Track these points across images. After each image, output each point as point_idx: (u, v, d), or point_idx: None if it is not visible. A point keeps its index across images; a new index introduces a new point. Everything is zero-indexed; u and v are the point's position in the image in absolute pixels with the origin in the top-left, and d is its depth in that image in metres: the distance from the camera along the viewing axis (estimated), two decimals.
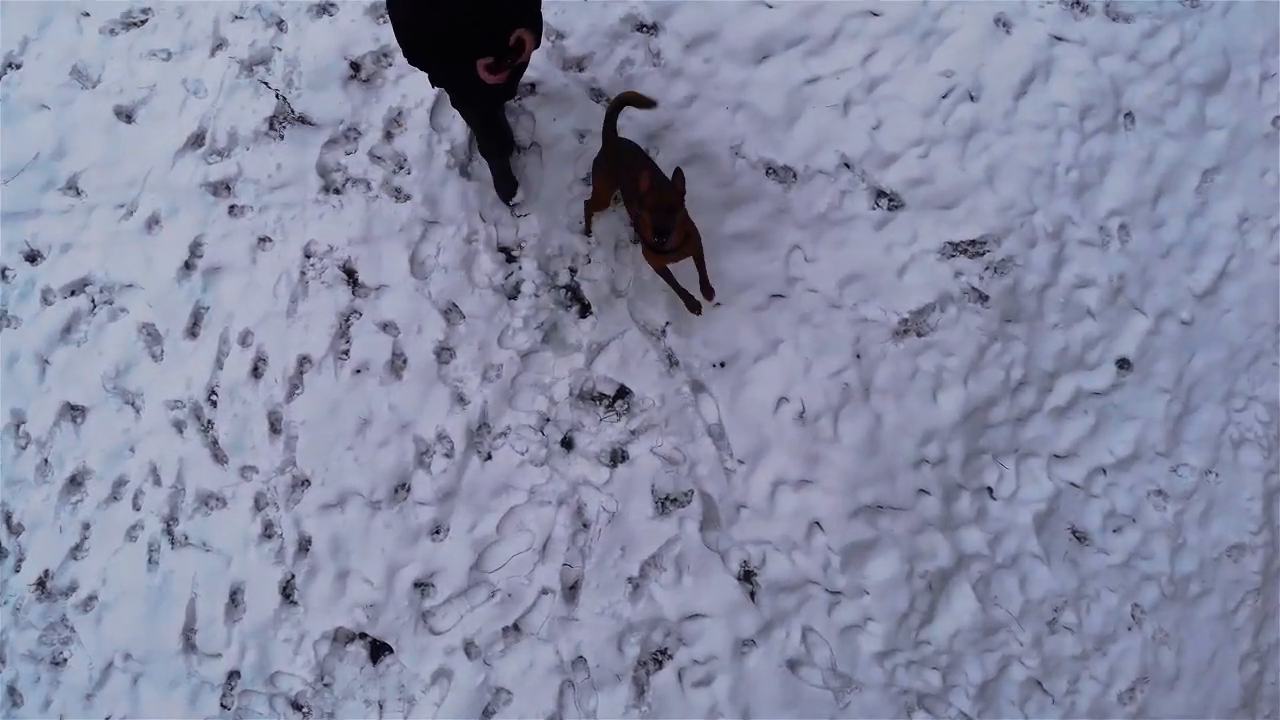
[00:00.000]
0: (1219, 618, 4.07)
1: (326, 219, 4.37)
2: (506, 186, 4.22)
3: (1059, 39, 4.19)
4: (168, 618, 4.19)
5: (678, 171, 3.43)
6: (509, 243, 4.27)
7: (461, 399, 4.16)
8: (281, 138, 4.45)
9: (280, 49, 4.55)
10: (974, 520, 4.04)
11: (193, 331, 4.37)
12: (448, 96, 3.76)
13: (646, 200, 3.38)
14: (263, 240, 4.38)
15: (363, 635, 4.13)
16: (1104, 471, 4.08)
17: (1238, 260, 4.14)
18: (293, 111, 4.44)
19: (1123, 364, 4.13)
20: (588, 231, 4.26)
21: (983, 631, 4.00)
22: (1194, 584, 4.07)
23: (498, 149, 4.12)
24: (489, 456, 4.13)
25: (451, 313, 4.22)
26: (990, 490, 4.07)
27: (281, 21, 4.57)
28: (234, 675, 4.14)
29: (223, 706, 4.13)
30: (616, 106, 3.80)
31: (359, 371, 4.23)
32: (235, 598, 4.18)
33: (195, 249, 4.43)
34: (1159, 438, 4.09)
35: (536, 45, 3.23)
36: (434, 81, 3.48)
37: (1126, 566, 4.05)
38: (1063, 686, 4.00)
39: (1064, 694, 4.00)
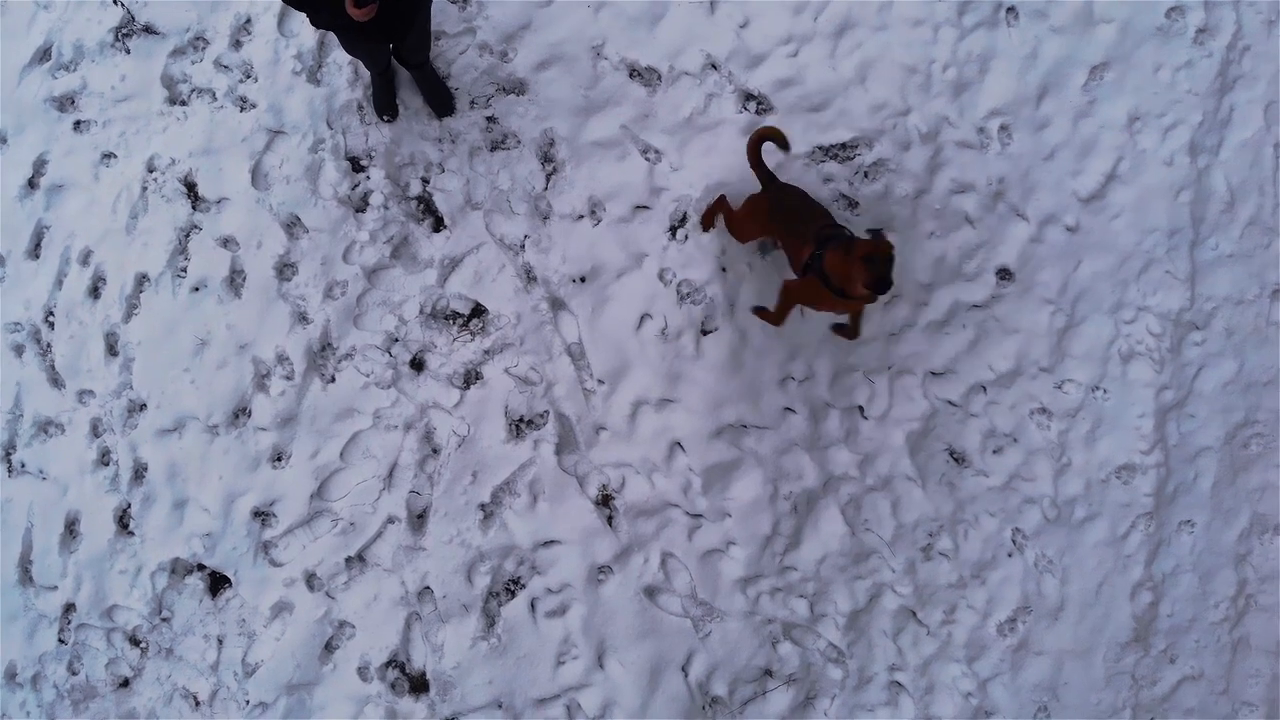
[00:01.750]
0: (1107, 543, 3.52)
1: (170, 132, 3.84)
2: (387, 107, 3.72)
3: None
4: (4, 548, 3.72)
5: (879, 233, 2.83)
6: (358, 151, 3.77)
7: (303, 318, 3.66)
8: (127, 50, 3.97)
9: None
10: (843, 440, 3.55)
11: (34, 252, 3.86)
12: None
13: (859, 250, 2.72)
14: (106, 156, 3.86)
15: (201, 567, 3.66)
16: (983, 389, 3.54)
17: (1127, 162, 3.57)
18: (135, 21, 3.96)
19: (1003, 274, 3.57)
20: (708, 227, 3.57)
21: (852, 558, 3.53)
22: (1079, 507, 3.52)
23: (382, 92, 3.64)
24: (332, 379, 3.63)
25: (294, 226, 3.71)
26: (861, 409, 3.57)
27: None
28: (70, 608, 3.67)
29: (60, 641, 3.65)
30: (757, 143, 3.15)
31: (197, 289, 3.71)
32: (72, 528, 3.70)
33: (39, 167, 3.91)
34: (1042, 352, 3.59)
35: None
36: (315, 23, 2.88)
37: (1007, 489, 3.55)
38: (938, 616, 3.52)
39: (939, 624, 3.52)
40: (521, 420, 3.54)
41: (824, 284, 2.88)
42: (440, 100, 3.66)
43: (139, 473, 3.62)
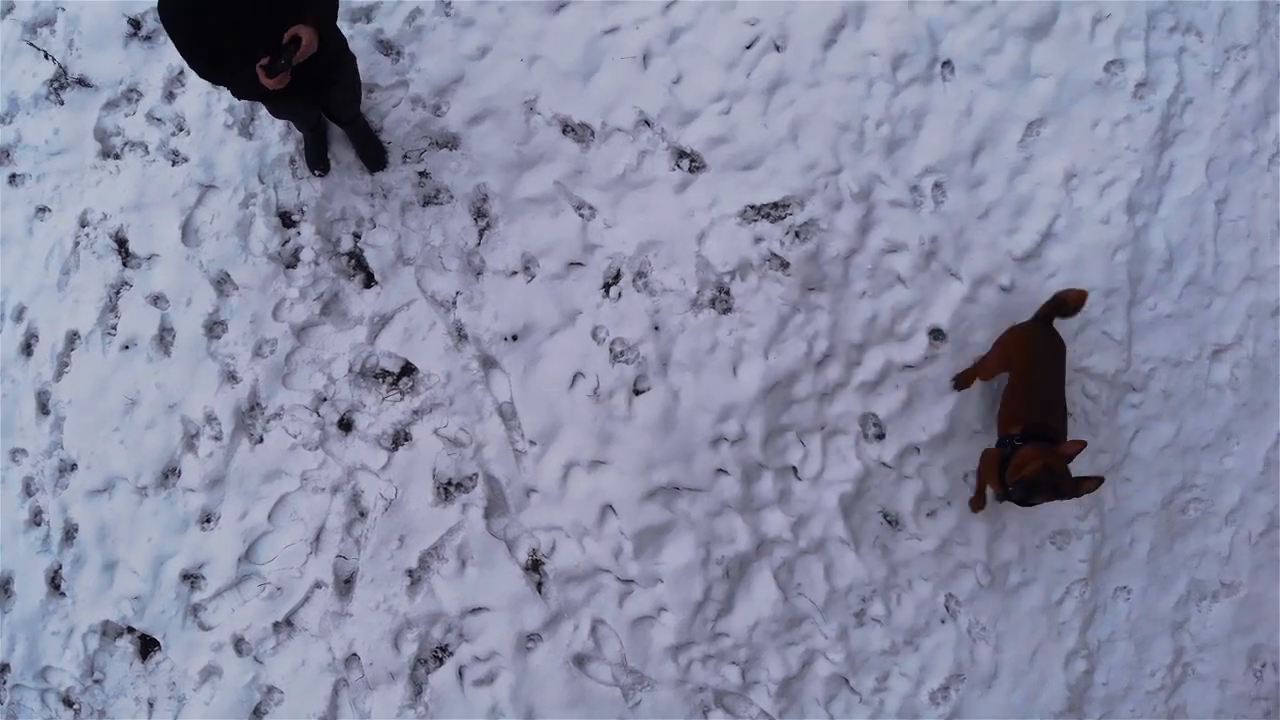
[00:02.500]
0: (1041, 610, 3.35)
1: (103, 186, 3.70)
2: (319, 162, 3.57)
3: None
4: None
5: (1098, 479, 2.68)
6: (290, 206, 3.64)
7: (232, 377, 3.53)
8: (61, 103, 3.85)
9: (64, 9, 3.96)
10: (776, 502, 3.41)
11: None
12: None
13: (1040, 462, 2.63)
14: (40, 210, 3.72)
15: (131, 629, 3.54)
16: (917, 450, 3.37)
17: (1064, 220, 3.39)
18: (69, 74, 3.83)
19: (936, 334, 3.39)
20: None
21: (785, 623, 3.39)
22: (1014, 573, 3.35)
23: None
24: (260, 440, 3.51)
25: (224, 283, 3.57)
26: (794, 470, 3.44)
27: None
28: (5, 669, 3.56)
29: None
30: (1062, 305, 2.97)
31: (127, 348, 3.58)
32: (5, 587, 3.58)
33: None
34: (975, 414, 3.42)
35: (316, 40, 2.41)
36: (237, 94, 2.70)
37: (940, 553, 3.39)
38: (870, 684, 3.38)
39: (872, 692, 3.39)
40: (450, 483, 3.41)
41: (1001, 465, 2.79)
42: (372, 155, 3.54)
43: (70, 533, 3.50)
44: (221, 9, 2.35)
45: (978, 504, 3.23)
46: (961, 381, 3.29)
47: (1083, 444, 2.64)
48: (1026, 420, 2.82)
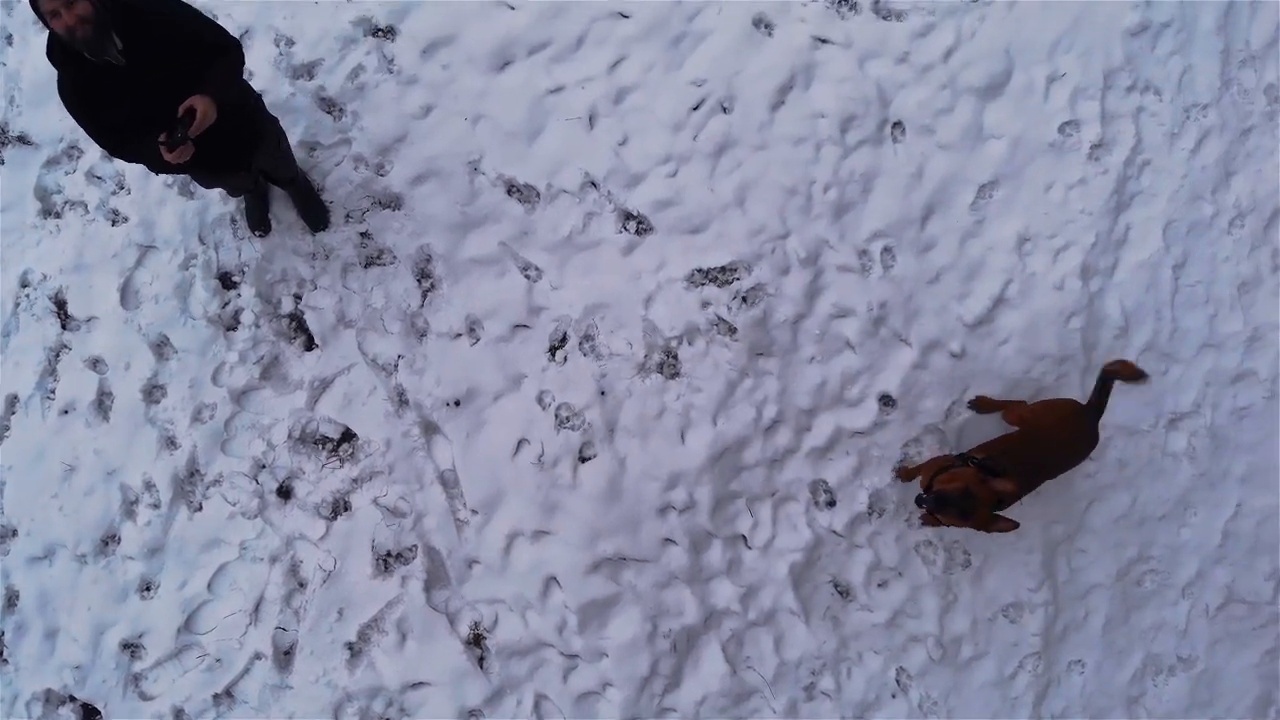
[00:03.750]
0: (994, 684, 3.25)
1: (43, 245, 3.61)
2: (259, 223, 3.49)
3: (822, 41, 3.45)
4: None
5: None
6: (230, 267, 3.54)
7: (171, 442, 3.44)
8: (1, 161, 3.76)
9: (4, 64, 3.86)
10: (725, 572, 3.30)
11: None
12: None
13: (964, 483, 2.59)
14: None
15: (72, 698, 3.47)
16: (868, 518, 3.36)
17: (1016, 285, 3.29)
18: (9, 131, 3.74)
19: (886, 401, 3.30)
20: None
21: (733, 698, 3.28)
22: (966, 646, 3.25)
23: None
24: (199, 507, 3.40)
25: (164, 346, 3.47)
26: (744, 539, 3.34)
27: (10, 36, 3.88)
28: None
29: None
30: (1118, 375, 2.83)
31: (66, 412, 3.49)
32: None
33: None
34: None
35: (213, 110, 2.35)
36: (156, 170, 2.61)
37: (892, 625, 3.29)
38: None
39: None
40: (389, 555, 3.32)
41: (940, 470, 2.74)
42: (314, 214, 3.44)
43: (11, 600, 3.42)
44: (114, 93, 2.31)
45: (905, 475, 3.16)
46: (981, 406, 3.22)
47: (1015, 496, 2.59)
48: (997, 456, 2.70)
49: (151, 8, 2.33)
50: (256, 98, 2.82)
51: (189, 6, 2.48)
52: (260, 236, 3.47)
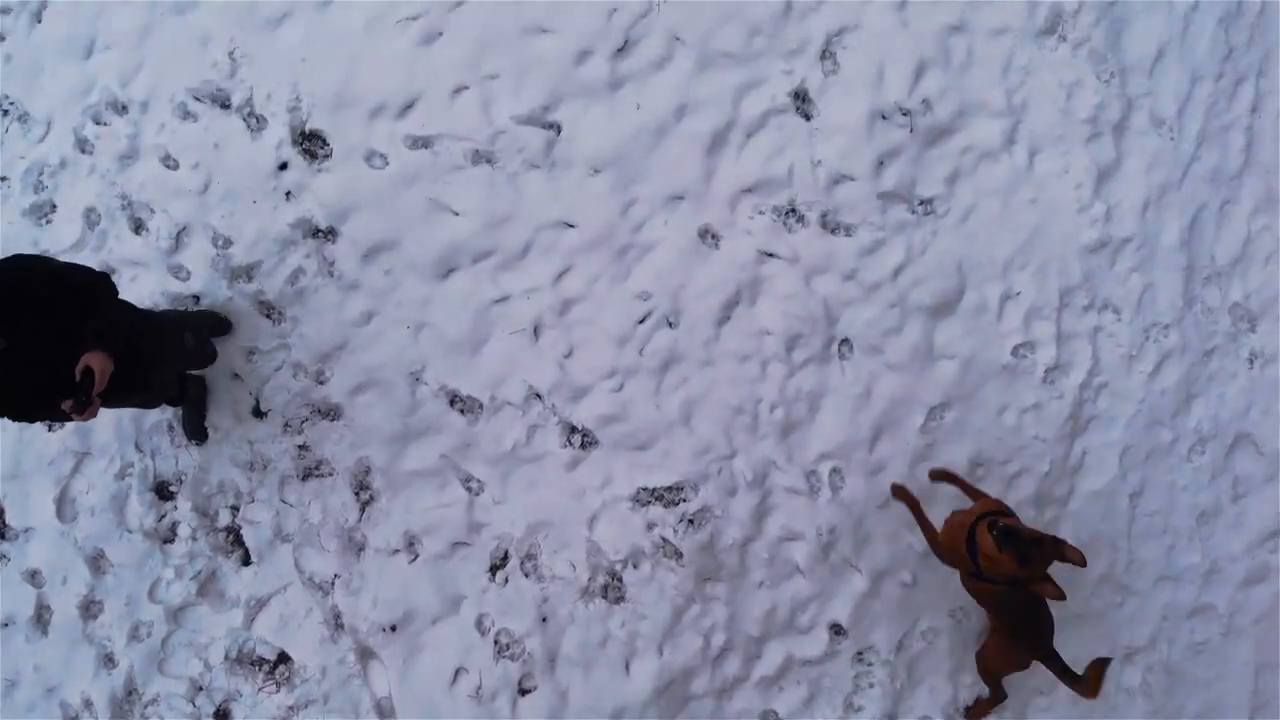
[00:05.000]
0: None
1: None
2: (196, 432, 3.43)
3: (769, 255, 3.34)
4: None
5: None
6: (167, 475, 3.45)
7: (109, 660, 3.34)
8: None
9: None
10: None
11: None
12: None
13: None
14: None
15: None
16: None
17: None
18: None
19: (837, 629, 3.20)
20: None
21: None
22: None
23: (178, 399, 3.35)
24: None
25: (100, 560, 3.40)
26: None
27: None
28: None
29: None
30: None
31: (6, 625, 3.44)
32: None
33: None
34: (878, 713, 3.28)
35: (110, 362, 2.35)
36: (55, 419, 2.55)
37: None
38: None
39: None
40: None
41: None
42: (193, 428, 3.35)
43: None
44: (4, 374, 2.29)
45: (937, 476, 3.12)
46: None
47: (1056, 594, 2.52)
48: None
49: (19, 285, 2.29)
50: (143, 316, 2.75)
51: (50, 261, 2.43)
52: (198, 445, 3.38)
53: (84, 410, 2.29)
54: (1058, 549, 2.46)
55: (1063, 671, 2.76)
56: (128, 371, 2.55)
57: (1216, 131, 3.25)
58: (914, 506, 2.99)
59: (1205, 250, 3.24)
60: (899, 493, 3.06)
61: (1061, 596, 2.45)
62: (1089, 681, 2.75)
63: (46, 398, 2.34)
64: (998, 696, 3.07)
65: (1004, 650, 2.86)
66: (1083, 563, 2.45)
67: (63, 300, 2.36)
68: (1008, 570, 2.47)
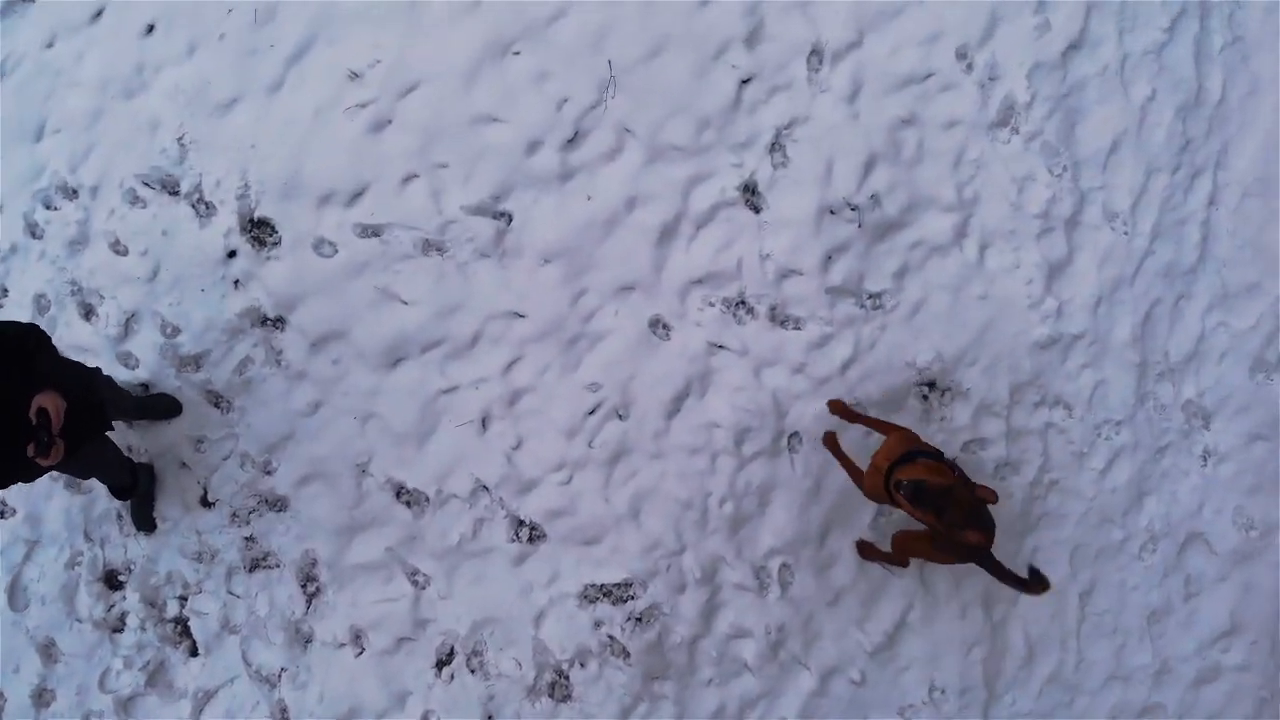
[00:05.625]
0: None
1: None
2: (144, 522, 3.39)
3: (719, 347, 3.31)
4: None
5: None
6: (117, 564, 3.43)
7: None
8: None
9: None
10: None
11: None
12: None
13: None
14: None
15: None
16: None
17: (918, 611, 3.11)
18: None
19: None
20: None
21: None
22: None
23: (130, 488, 3.32)
24: None
25: (51, 648, 3.41)
26: None
27: None
28: None
29: None
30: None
31: None
32: None
33: None
34: None
35: (60, 399, 2.36)
36: (30, 479, 2.59)
37: None
38: None
39: None
40: None
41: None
42: (141, 518, 3.36)
43: None
44: None
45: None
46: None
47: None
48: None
49: None
50: (72, 367, 2.76)
51: None
52: (146, 534, 3.37)
53: (48, 452, 2.30)
54: (969, 491, 2.41)
55: (1003, 574, 2.68)
56: (81, 409, 2.55)
57: (1171, 225, 3.20)
58: (839, 456, 2.97)
59: (1158, 346, 3.19)
60: (828, 441, 3.03)
61: (993, 499, 2.42)
62: (1034, 581, 2.68)
63: (8, 451, 2.34)
64: (902, 563, 3.02)
65: (934, 553, 2.78)
66: (995, 499, 2.41)
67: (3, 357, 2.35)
68: (931, 523, 2.42)
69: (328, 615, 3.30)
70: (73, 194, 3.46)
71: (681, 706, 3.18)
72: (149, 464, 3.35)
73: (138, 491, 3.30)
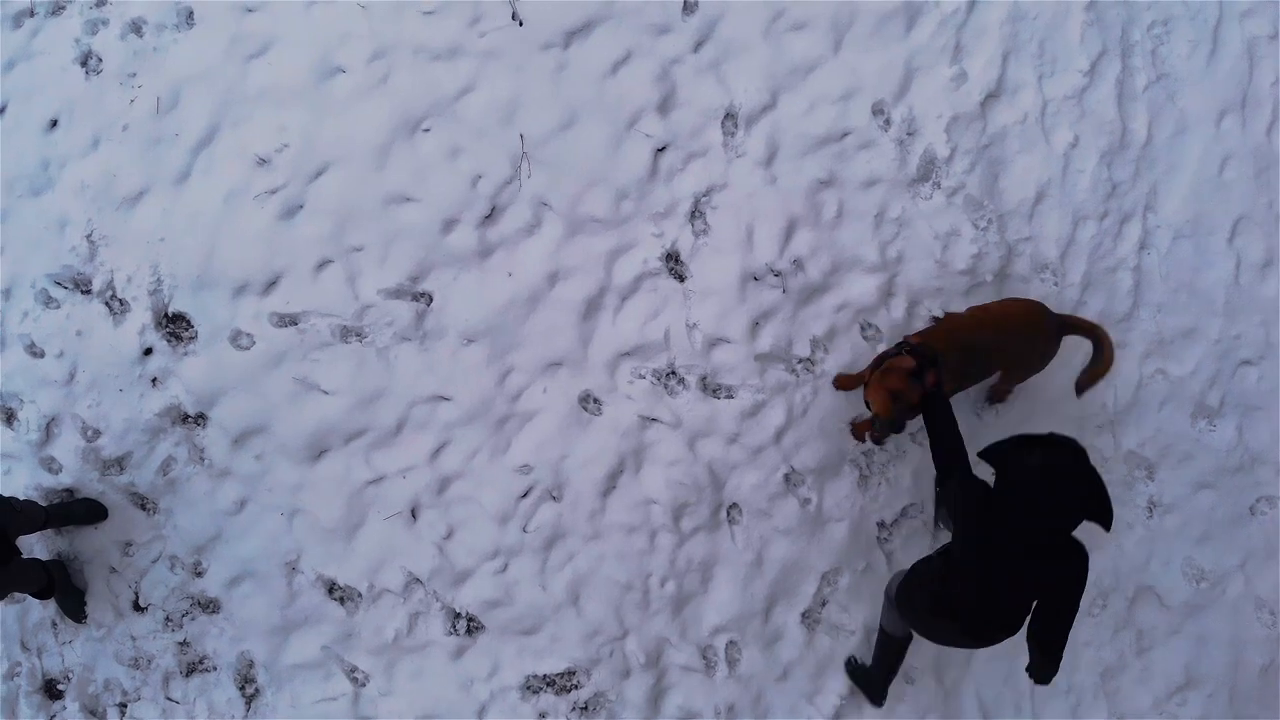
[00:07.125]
0: None
1: None
2: (75, 613, 3.35)
3: (651, 420, 3.22)
4: None
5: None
6: (55, 673, 3.32)
7: None
8: None
9: None
10: None
11: None
12: None
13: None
14: None
15: None
16: None
17: None
18: None
19: None
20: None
21: None
22: None
23: (48, 588, 3.24)
24: None
25: None
26: None
27: None
28: None
29: None
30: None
31: None
32: None
33: None
34: None
35: None
36: None
37: None
38: None
39: None
40: None
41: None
42: (71, 608, 3.27)
43: None
44: None
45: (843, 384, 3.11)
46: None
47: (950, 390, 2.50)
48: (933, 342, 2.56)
49: None
50: None
51: None
52: (81, 623, 3.27)
53: None
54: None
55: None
56: None
57: (1103, 273, 3.12)
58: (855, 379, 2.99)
59: (1096, 399, 3.11)
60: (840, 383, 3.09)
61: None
62: None
63: None
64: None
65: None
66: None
67: None
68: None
69: (268, 717, 3.20)
70: None
71: None
72: (57, 560, 3.26)
73: (57, 589, 3.20)
